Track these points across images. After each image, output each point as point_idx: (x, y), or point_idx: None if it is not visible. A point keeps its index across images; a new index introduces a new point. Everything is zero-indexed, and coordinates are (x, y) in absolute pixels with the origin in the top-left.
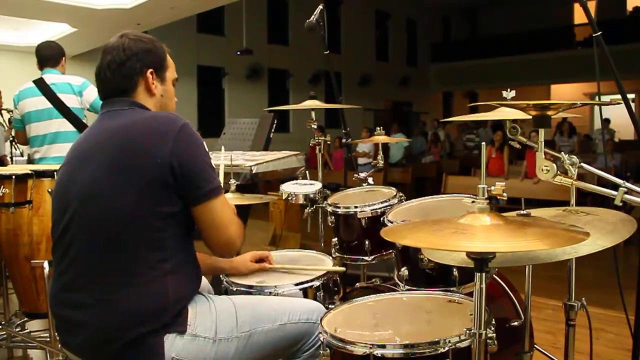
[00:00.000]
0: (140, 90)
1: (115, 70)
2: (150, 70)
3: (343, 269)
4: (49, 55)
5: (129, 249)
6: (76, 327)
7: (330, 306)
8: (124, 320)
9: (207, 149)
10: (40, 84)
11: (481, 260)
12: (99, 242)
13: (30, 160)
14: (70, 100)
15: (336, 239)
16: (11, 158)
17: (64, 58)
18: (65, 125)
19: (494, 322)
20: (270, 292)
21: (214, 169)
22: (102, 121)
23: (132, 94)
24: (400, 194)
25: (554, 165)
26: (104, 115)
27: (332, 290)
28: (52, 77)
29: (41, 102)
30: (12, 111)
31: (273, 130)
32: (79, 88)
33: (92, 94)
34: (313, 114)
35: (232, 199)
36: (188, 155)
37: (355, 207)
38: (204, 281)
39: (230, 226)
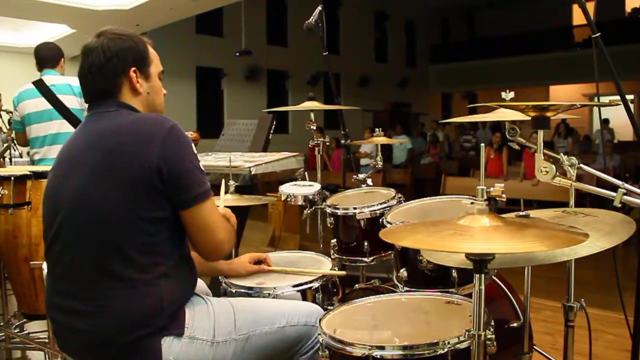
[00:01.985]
0: (125, 91)
1: (97, 73)
2: (133, 69)
3: (343, 272)
4: (47, 56)
5: (121, 254)
6: (71, 332)
7: (329, 307)
8: (119, 324)
9: (195, 151)
10: (40, 85)
11: (480, 262)
12: (91, 247)
13: (31, 162)
14: (70, 101)
15: (335, 240)
16: (10, 159)
17: (62, 59)
18: (65, 127)
19: (493, 323)
20: (269, 294)
21: (202, 171)
22: (89, 124)
23: (117, 95)
24: (399, 195)
25: (553, 166)
26: (91, 118)
27: (331, 292)
28: (51, 78)
29: (41, 104)
30: (11, 112)
31: (272, 132)
32: (79, 89)
33: None
34: (312, 115)
35: (231, 200)
36: (176, 158)
37: (354, 208)
38: (202, 284)
39: (219, 230)
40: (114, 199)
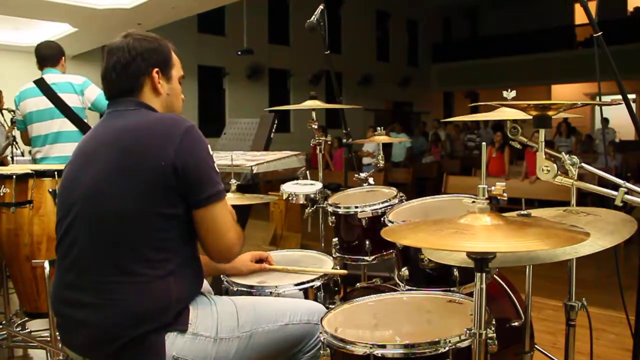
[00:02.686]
0: (147, 90)
1: (121, 71)
2: (156, 69)
3: (344, 271)
4: (48, 54)
5: (131, 249)
6: (77, 326)
7: (330, 306)
8: (125, 319)
9: (211, 152)
10: (41, 84)
11: (481, 260)
12: (102, 242)
13: (32, 160)
14: (71, 100)
15: (337, 239)
16: (12, 158)
17: (63, 57)
18: (66, 125)
19: (494, 322)
20: (270, 292)
21: (217, 172)
22: (108, 121)
23: (138, 94)
24: (401, 194)
25: (555, 165)
26: (109, 115)
27: (332, 290)
28: (52, 76)
29: (42, 102)
30: (13, 111)
31: (274, 131)
32: (80, 87)
33: (93, 92)
34: (314, 114)
35: (233, 198)
36: (192, 158)
37: (356, 207)
38: (205, 282)
39: (229, 232)
40: (128, 194)
